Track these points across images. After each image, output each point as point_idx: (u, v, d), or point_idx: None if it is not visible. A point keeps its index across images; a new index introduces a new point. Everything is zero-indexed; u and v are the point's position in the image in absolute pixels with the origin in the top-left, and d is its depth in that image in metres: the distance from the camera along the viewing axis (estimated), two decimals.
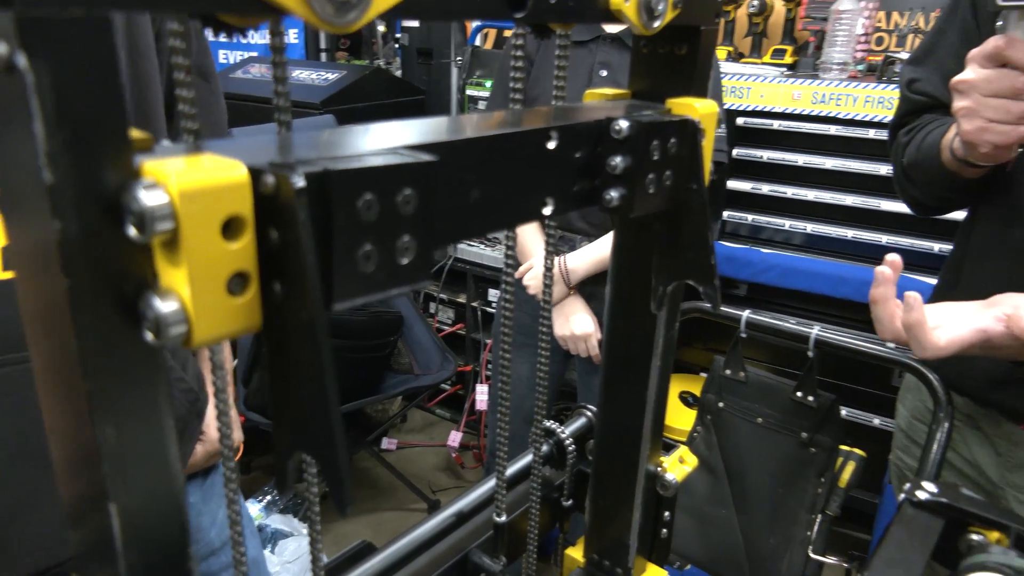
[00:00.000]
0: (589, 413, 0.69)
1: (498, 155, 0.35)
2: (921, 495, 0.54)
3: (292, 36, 3.45)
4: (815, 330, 1.03)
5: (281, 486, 0.28)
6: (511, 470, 0.62)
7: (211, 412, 0.94)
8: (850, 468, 1.07)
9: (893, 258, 0.72)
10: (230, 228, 0.23)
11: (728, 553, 1.13)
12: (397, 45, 3.37)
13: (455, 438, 2.51)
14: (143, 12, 0.23)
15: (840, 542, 1.09)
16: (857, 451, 1.09)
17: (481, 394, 2.38)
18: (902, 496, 0.56)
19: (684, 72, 0.47)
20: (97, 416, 0.23)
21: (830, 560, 1.06)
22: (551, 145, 0.37)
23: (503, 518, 0.56)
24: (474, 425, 2.60)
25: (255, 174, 0.24)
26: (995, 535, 0.50)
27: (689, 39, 0.46)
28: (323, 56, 3.58)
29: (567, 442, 0.64)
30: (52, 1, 0.20)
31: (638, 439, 0.56)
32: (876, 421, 1.89)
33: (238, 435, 1.00)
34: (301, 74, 2.75)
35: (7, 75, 0.20)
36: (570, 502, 0.67)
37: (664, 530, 0.65)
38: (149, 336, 0.23)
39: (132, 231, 0.22)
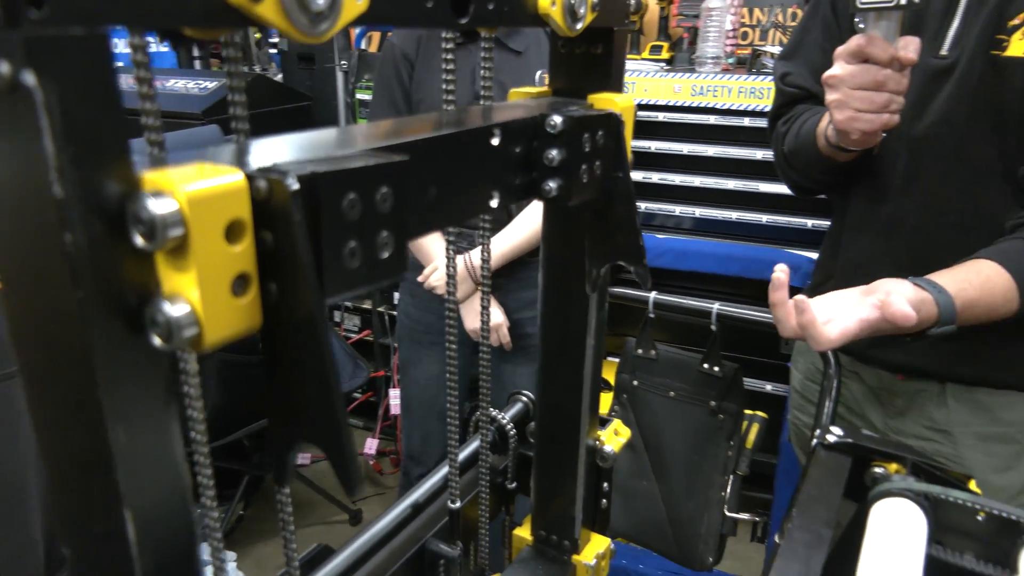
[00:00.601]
0: (524, 399, 0.72)
1: (450, 153, 0.37)
2: (830, 438, 0.61)
3: (161, 44, 3.29)
4: (716, 306, 1.11)
5: (282, 479, 0.29)
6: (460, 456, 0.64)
7: None
8: (755, 430, 1.15)
9: (783, 268, 0.82)
10: (232, 232, 0.24)
11: (652, 522, 1.19)
12: (275, 51, 3.27)
13: (371, 445, 2.49)
14: (138, 29, 0.24)
15: (746, 504, 1.17)
16: (760, 413, 1.18)
17: (394, 399, 2.37)
18: (814, 442, 0.63)
19: (601, 69, 0.50)
20: (110, 422, 0.23)
21: (743, 516, 1.14)
22: (495, 142, 0.40)
23: (457, 504, 0.58)
24: (389, 431, 2.59)
25: (248, 179, 0.25)
26: (894, 466, 0.57)
27: (604, 39, 0.49)
28: (197, 64, 3.43)
29: (508, 427, 0.67)
30: (55, 20, 0.20)
31: (578, 415, 0.60)
32: (768, 387, 2.04)
33: None
34: (177, 83, 2.63)
35: (9, 94, 0.20)
36: (514, 484, 0.69)
37: (604, 500, 0.69)
38: (158, 341, 0.24)
39: (139, 240, 0.23)
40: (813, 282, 1.18)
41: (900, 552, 0.44)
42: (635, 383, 1.20)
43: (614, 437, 0.65)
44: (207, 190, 0.23)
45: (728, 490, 1.13)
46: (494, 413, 0.66)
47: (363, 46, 3.04)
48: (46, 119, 0.20)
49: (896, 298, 0.78)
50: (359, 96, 2.71)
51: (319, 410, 0.27)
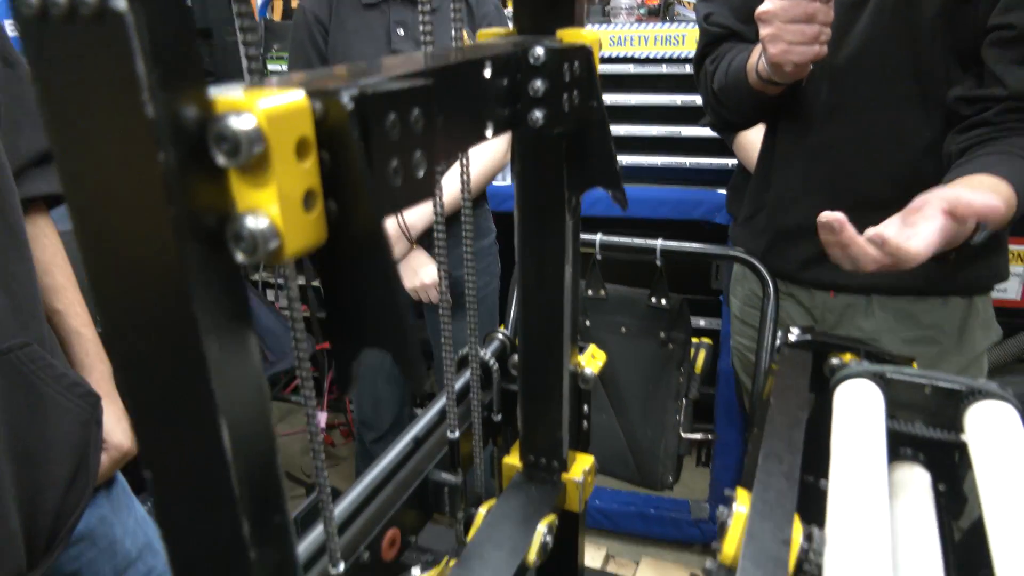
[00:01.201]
0: (501, 336, 0.75)
1: (451, 84, 0.39)
2: (792, 337, 0.67)
3: None
4: (659, 242, 1.16)
5: (346, 386, 0.31)
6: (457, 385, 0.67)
7: (110, 415, 0.88)
8: (702, 355, 1.23)
9: (835, 214, 0.77)
10: (300, 149, 0.26)
11: (614, 452, 1.26)
12: None
13: (320, 419, 2.48)
14: None
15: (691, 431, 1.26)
16: (705, 340, 1.25)
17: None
18: (778, 343, 0.69)
19: (564, 6, 0.53)
20: (205, 336, 0.25)
21: (696, 436, 1.22)
22: (487, 73, 0.42)
23: (456, 434, 0.61)
24: (336, 404, 2.58)
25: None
26: (848, 356, 0.64)
27: None
28: None
29: (491, 362, 0.70)
30: None
31: (560, 341, 0.63)
32: (703, 322, 2.14)
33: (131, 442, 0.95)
34: None
35: (97, 22, 0.22)
36: (499, 417, 0.73)
37: (584, 422, 0.73)
38: (241, 256, 0.25)
39: (221, 159, 0.24)
40: (744, 215, 1.25)
41: (866, 422, 0.50)
42: (588, 323, 1.25)
43: (592, 360, 0.69)
44: (282, 107, 0.24)
45: (681, 414, 1.20)
46: (477, 350, 0.69)
47: (267, 15, 2.93)
48: (137, 42, 0.22)
49: (964, 193, 0.76)
50: (272, 67, 2.63)
51: (384, 314, 0.29)
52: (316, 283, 2.56)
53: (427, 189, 0.32)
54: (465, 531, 0.64)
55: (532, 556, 0.62)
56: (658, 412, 1.23)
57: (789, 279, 1.17)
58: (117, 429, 0.90)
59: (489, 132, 0.43)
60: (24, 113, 0.88)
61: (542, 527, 0.63)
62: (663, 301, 1.19)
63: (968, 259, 1.00)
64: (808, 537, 0.42)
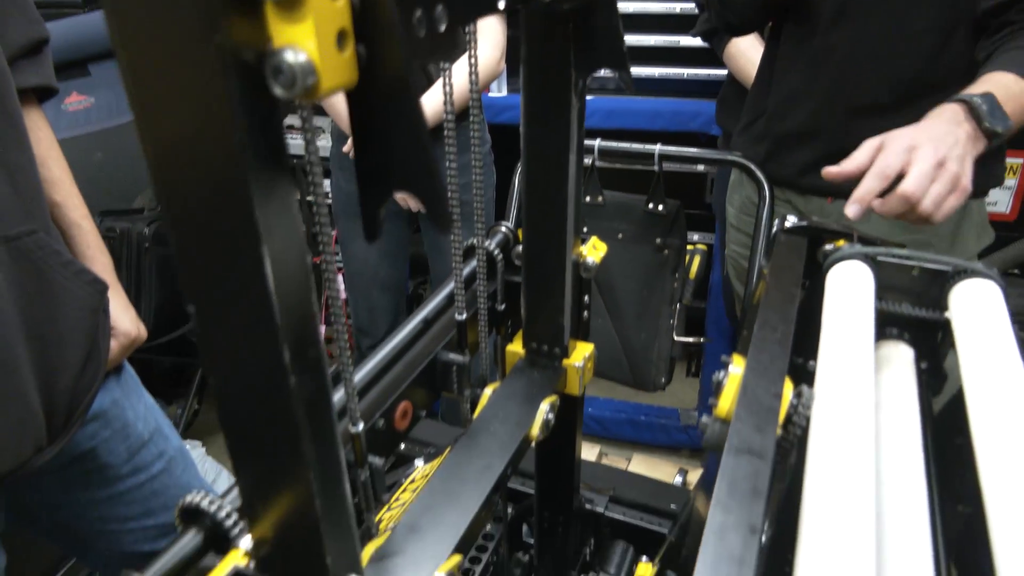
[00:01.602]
0: (504, 229, 0.77)
1: None
2: (788, 223, 0.69)
3: None
4: (658, 147, 1.17)
5: (373, 234, 0.33)
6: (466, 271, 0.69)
7: (116, 304, 0.91)
8: (697, 260, 1.25)
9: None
10: None
11: (609, 356, 1.30)
12: None
13: (320, 332, 2.52)
14: None
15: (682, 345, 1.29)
16: (700, 245, 1.28)
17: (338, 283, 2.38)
18: (774, 230, 0.72)
19: None
20: (249, 169, 0.27)
21: (689, 339, 1.26)
22: None
23: (463, 315, 0.63)
24: (331, 320, 2.61)
25: None
26: (841, 242, 0.66)
27: None
28: None
29: (496, 253, 0.72)
30: None
31: (564, 230, 0.65)
32: (696, 236, 2.17)
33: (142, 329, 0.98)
34: None
35: None
36: (503, 307, 0.75)
37: (584, 312, 0.76)
38: (279, 90, 0.27)
39: None
40: (742, 123, 1.25)
41: (856, 298, 0.53)
42: (585, 229, 1.27)
43: (593, 250, 0.71)
44: None
45: (675, 318, 1.24)
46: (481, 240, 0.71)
47: None
48: None
49: None
50: None
51: (412, 158, 0.30)
52: (310, 198, 2.55)
53: (451, 45, 0.33)
54: (471, 410, 0.68)
55: (535, 431, 0.65)
56: (652, 316, 1.26)
57: (786, 185, 1.19)
58: (124, 317, 0.93)
59: (501, 4, 0.43)
60: (11, 2, 0.87)
61: (544, 405, 0.66)
62: (660, 207, 1.21)
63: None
64: (798, 394, 0.45)
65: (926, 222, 0.80)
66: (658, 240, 1.22)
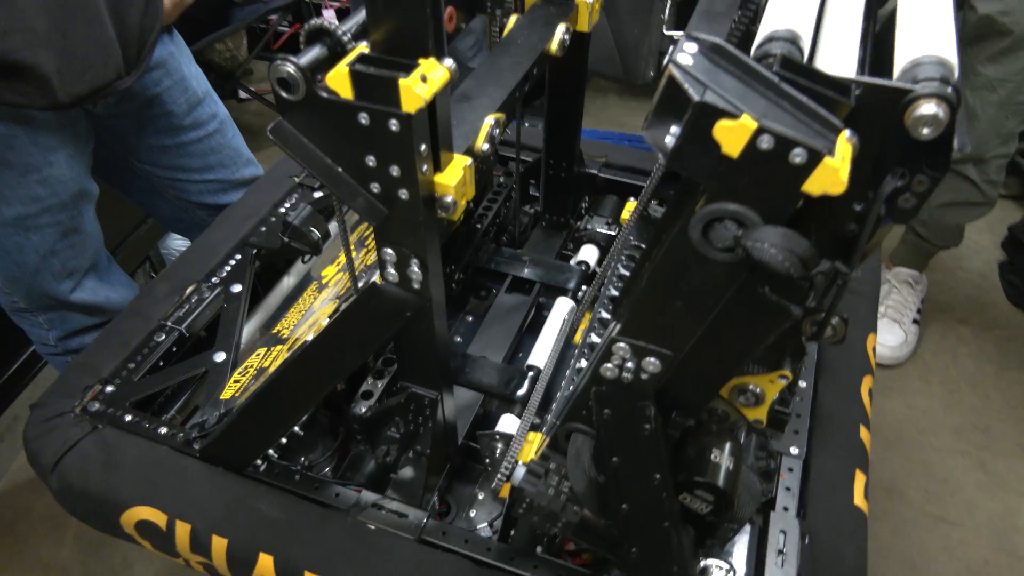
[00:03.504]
0: None
1: None
2: None
3: None
4: None
5: None
6: None
7: None
8: None
9: None
10: None
11: (603, 54, 1.41)
12: None
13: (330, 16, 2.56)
14: None
15: None
16: None
17: (329, 8, 2.39)
18: None
19: None
20: None
21: (679, 32, 1.37)
22: None
23: None
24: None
25: None
26: None
27: None
28: None
29: None
30: None
31: None
32: None
33: None
34: None
35: None
36: None
37: None
38: None
39: None
40: None
41: None
42: None
43: None
44: None
45: (666, 12, 1.34)
46: None
47: None
48: None
49: None
50: None
51: None
52: None
53: None
54: (500, 32, 0.82)
55: (554, 46, 0.80)
56: (644, 11, 1.36)
57: None
58: None
59: None
60: None
61: (561, 27, 0.80)
62: None
63: None
64: None
65: None
66: None
